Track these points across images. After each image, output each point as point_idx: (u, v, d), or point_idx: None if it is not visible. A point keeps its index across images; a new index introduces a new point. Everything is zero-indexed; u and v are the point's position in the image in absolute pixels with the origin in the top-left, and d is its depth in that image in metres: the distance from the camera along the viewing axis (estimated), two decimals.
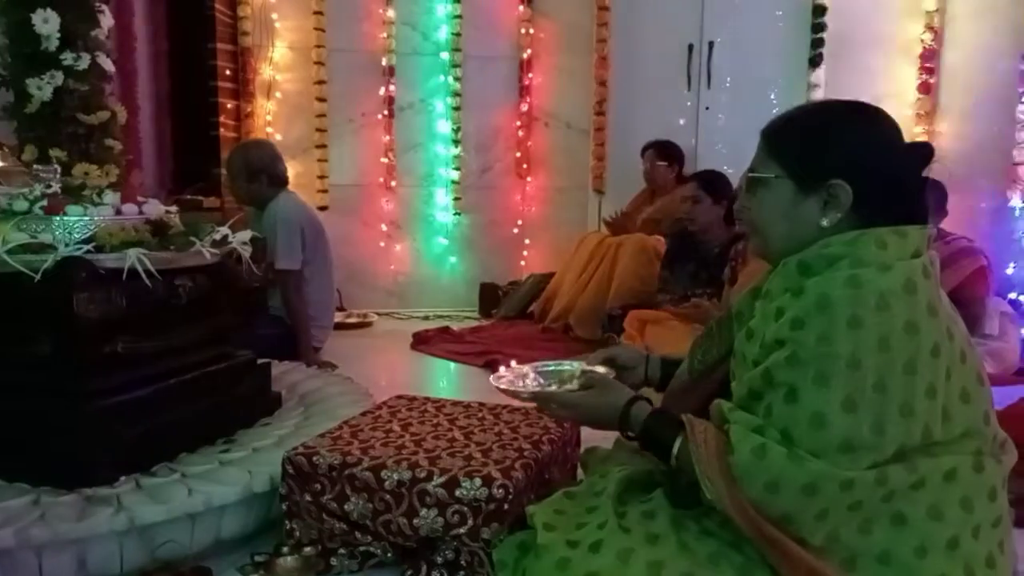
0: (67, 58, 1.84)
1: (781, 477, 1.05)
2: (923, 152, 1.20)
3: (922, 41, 4.27)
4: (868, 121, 1.20)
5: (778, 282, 1.19)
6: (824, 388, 1.05)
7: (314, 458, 1.60)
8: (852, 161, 1.15)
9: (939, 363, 1.07)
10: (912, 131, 4.21)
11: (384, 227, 5.06)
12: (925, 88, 4.28)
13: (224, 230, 2.01)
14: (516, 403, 1.43)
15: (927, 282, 1.11)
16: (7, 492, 1.60)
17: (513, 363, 1.57)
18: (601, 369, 1.48)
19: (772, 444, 1.07)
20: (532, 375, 1.52)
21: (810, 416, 1.06)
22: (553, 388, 1.45)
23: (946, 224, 3.33)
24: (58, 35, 1.82)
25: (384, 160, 4.98)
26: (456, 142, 5.00)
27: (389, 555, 1.59)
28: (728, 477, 1.09)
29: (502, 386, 1.48)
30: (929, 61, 4.27)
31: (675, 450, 1.21)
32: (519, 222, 5.18)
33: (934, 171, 1.22)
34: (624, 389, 1.36)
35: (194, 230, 1.93)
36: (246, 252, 2.04)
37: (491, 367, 3.40)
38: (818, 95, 4.34)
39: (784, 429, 1.08)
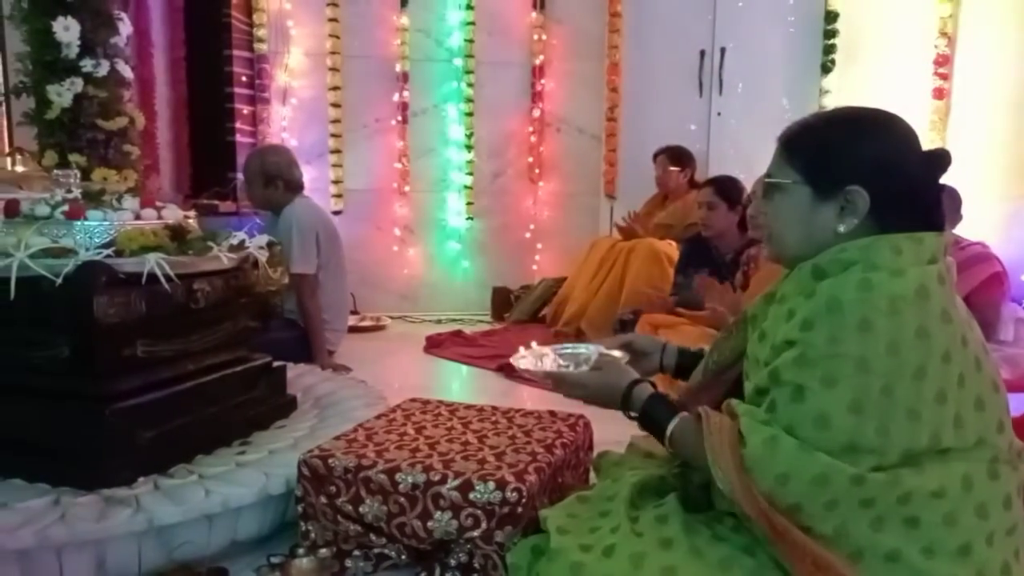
0: (87, 65, 1.87)
1: (792, 468, 1.06)
2: (940, 159, 1.20)
3: (935, 47, 4.25)
4: (886, 128, 1.20)
5: (792, 286, 1.19)
6: (831, 389, 1.06)
7: (329, 460, 1.61)
8: (870, 167, 1.15)
9: (951, 369, 1.07)
10: (926, 137, 4.19)
11: (397, 231, 5.09)
12: (939, 94, 4.26)
13: (241, 235, 2.04)
14: (534, 382, 1.51)
15: (942, 288, 1.11)
16: (28, 492, 1.62)
17: (534, 344, 1.63)
18: (617, 354, 1.52)
19: (783, 435, 1.08)
20: (552, 356, 1.58)
21: (815, 416, 1.06)
22: (569, 369, 1.52)
23: (960, 230, 3.32)
24: (78, 42, 1.85)
25: (398, 165, 5.01)
26: (469, 147, 5.03)
27: (403, 557, 1.60)
28: (740, 467, 1.10)
29: (522, 366, 1.55)
30: (943, 67, 4.25)
31: (668, 431, 1.26)
32: (531, 226, 5.19)
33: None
34: (629, 371, 1.40)
35: (212, 235, 1.95)
36: (263, 257, 2.07)
37: (504, 371, 3.42)
38: (830, 101, 4.33)
39: (788, 426, 1.08)
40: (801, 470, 1.05)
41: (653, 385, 1.37)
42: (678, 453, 1.29)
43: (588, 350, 1.58)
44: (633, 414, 1.35)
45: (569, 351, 1.60)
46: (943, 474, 1.07)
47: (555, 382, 1.48)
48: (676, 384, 1.65)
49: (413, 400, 2.07)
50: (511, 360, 1.59)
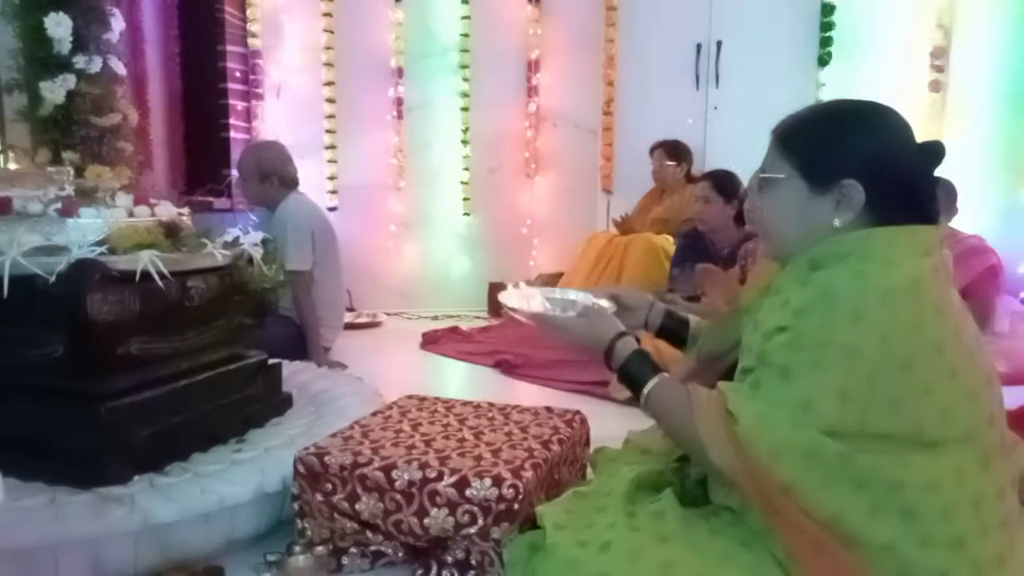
0: (79, 61, 1.86)
1: (783, 442, 1.06)
2: (934, 151, 1.20)
3: (932, 39, 4.25)
4: (880, 121, 1.20)
5: (787, 277, 1.19)
6: (819, 373, 1.06)
7: (325, 458, 1.61)
8: (865, 161, 1.15)
9: (942, 362, 1.07)
10: (922, 130, 4.18)
11: (393, 227, 5.08)
12: (935, 87, 4.26)
13: (235, 231, 2.03)
14: (519, 318, 1.46)
15: (936, 281, 1.11)
16: (24, 492, 1.61)
17: (522, 284, 1.60)
18: (605, 303, 1.49)
19: (772, 411, 1.08)
20: (539, 298, 1.54)
21: (800, 398, 1.07)
22: (556, 313, 1.47)
23: (957, 223, 3.32)
24: (70, 39, 1.84)
25: (393, 161, 5.00)
26: (465, 142, 5.01)
27: (400, 554, 1.60)
28: (736, 444, 1.10)
29: (508, 303, 1.50)
30: (939, 59, 4.25)
31: (646, 390, 1.25)
32: (528, 222, 5.18)
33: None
34: (615, 323, 1.38)
35: (206, 232, 1.95)
36: (257, 253, 2.06)
37: (501, 367, 3.42)
38: (827, 94, 4.32)
39: (771, 405, 1.09)
40: (792, 444, 1.06)
41: (638, 340, 1.36)
42: (653, 415, 1.27)
43: (577, 297, 1.54)
44: (613, 365, 1.33)
45: (558, 296, 1.56)
46: (934, 466, 1.07)
47: (539, 324, 1.44)
48: (658, 343, 1.65)
49: (409, 397, 2.07)
50: (499, 296, 1.55)
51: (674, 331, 1.54)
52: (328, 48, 4.79)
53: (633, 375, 1.29)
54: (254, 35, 4.72)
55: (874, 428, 1.06)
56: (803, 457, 1.06)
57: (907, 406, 1.06)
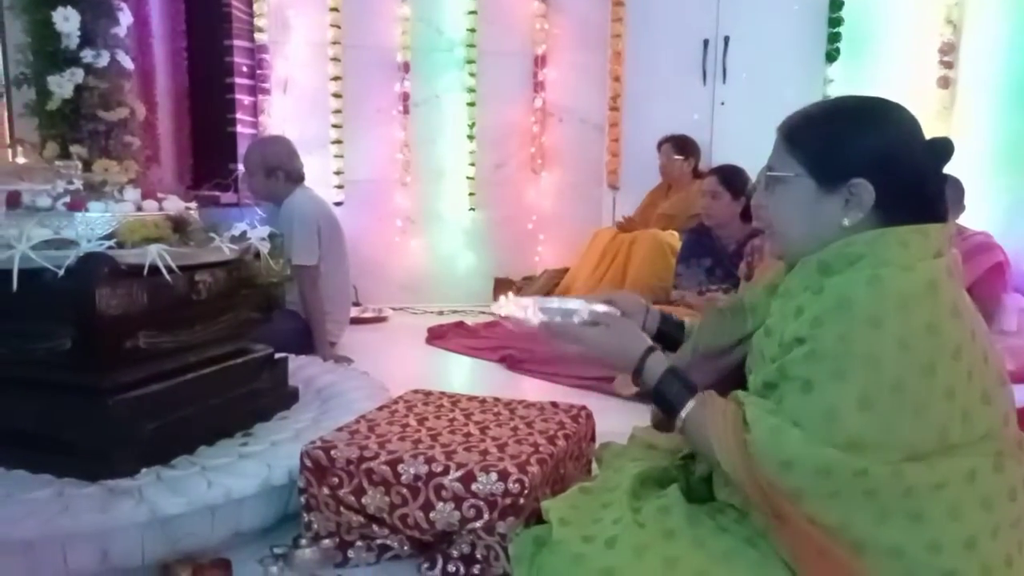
0: (87, 56, 1.86)
1: (796, 457, 1.06)
2: (943, 148, 1.18)
3: (941, 35, 4.23)
4: (889, 118, 1.18)
5: (798, 281, 1.18)
6: (840, 383, 1.05)
7: (332, 452, 1.61)
8: (874, 159, 1.14)
9: (960, 365, 1.06)
10: (931, 126, 4.14)
11: (399, 222, 5.08)
12: (944, 83, 4.23)
13: (242, 226, 2.04)
14: (515, 329, 1.31)
15: (950, 283, 1.10)
16: (32, 484, 1.62)
17: (510, 295, 1.47)
18: (601, 308, 1.39)
19: (788, 426, 1.07)
20: (533, 307, 1.39)
21: (823, 409, 1.06)
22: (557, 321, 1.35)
23: (964, 220, 3.31)
24: (78, 33, 1.85)
25: (399, 156, 5.00)
26: (471, 138, 5.01)
27: (406, 548, 1.61)
28: (744, 452, 1.10)
29: (505, 313, 1.39)
30: (948, 55, 4.22)
31: (683, 413, 1.20)
32: (534, 217, 5.18)
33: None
34: (642, 336, 1.32)
35: (213, 226, 1.96)
36: (264, 248, 2.07)
37: (506, 362, 3.42)
38: (834, 90, 4.31)
39: (796, 420, 1.08)
40: (805, 459, 1.05)
41: (663, 350, 1.30)
42: (688, 438, 1.22)
43: (575, 305, 1.39)
44: (643, 384, 1.27)
45: (555, 305, 1.41)
46: (947, 467, 1.07)
47: (550, 334, 1.32)
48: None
49: (415, 391, 2.08)
50: (492, 308, 1.42)
51: (669, 335, 1.48)
52: (335, 43, 4.79)
53: (667, 397, 1.23)
54: (261, 30, 4.72)
55: (898, 440, 1.04)
56: (815, 472, 1.05)
57: (932, 412, 1.05)
